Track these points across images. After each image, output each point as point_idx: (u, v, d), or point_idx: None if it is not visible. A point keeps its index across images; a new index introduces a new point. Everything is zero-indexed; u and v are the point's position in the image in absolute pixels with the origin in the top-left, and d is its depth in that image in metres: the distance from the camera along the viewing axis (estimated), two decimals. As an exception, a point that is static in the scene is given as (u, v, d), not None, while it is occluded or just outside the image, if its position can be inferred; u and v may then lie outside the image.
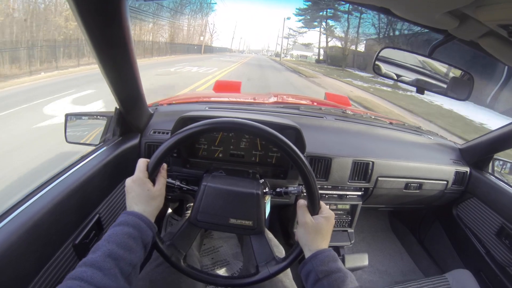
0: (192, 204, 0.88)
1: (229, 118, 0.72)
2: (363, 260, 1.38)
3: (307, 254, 0.71)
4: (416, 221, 1.96)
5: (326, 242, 0.73)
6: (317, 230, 0.72)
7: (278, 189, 0.90)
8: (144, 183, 0.71)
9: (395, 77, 1.07)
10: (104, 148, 1.01)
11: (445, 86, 1.04)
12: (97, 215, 0.90)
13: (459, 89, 1.01)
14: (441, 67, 1.05)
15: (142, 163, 0.73)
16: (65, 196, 0.76)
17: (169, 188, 0.81)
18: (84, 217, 0.86)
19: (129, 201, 0.70)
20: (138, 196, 0.70)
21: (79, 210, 0.83)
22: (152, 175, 0.73)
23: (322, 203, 0.77)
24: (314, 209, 0.75)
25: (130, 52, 0.79)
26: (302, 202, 0.77)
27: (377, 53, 1.04)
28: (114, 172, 1.00)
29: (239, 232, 0.80)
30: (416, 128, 1.74)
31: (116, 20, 0.68)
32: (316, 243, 0.71)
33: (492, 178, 1.46)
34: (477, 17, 0.60)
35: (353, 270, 1.38)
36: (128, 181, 0.71)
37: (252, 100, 1.76)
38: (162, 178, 0.75)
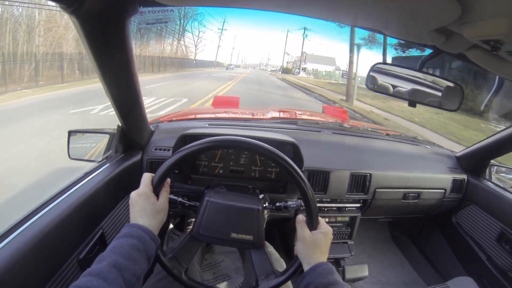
0: (193, 219, 0.90)
1: (229, 136, 0.75)
2: (363, 270, 1.38)
3: (306, 267, 0.73)
4: (416, 231, 1.97)
5: (324, 256, 0.75)
6: (315, 244, 0.74)
7: (277, 204, 0.92)
8: (149, 197, 0.72)
9: (391, 90, 1.10)
10: (107, 164, 1.03)
11: (439, 95, 1.07)
12: (101, 230, 0.92)
13: (450, 100, 1.04)
14: (432, 82, 1.08)
15: (147, 177, 0.75)
16: (70, 212, 0.77)
17: (171, 204, 0.82)
18: (88, 232, 0.87)
19: (133, 214, 0.71)
20: (143, 210, 0.71)
21: (83, 225, 0.84)
22: (157, 189, 0.75)
23: (320, 218, 0.79)
24: (312, 224, 0.77)
25: (132, 72, 0.82)
26: (301, 218, 0.79)
27: (370, 68, 1.07)
28: (117, 188, 1.01)
29: (239, 246, 0.82)
30: (413, 138, 1.76)
31: (120, 42, 0.72)
32: (315, 257, 0.73)
33: (490, 184, 1.47)
34: (462, 33, 0.63)
35: (353, 281, 1.38)
36: (133, 194, 0.73)
37: (251, 116, 1.79)
38: (166, 193, 0.77)
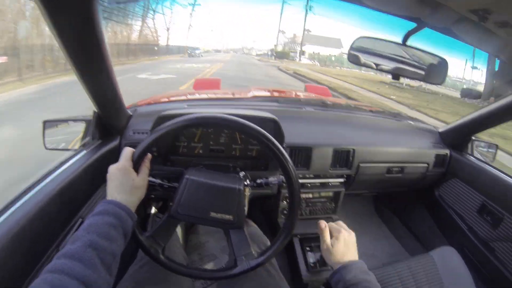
0: None
1: (209, 114, 0.73)
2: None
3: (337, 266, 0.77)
4: (400, 205, 2.01)
5: (350, 254, 0.79)
6: (336, 250, 0.78)
7: (258, 181, 0.91)
8: (129, 172, 0.70)
9: (374, 66, 1.08)
10: (84, 152, 0.99)
11: (422, 72, 1.05)
12: (80, 219, 0.89)
13: (435, 74, 1.03)
14: (417, 55, 1.06)
15: (128, 151, 0.73)
16: (46, 202, 0.74)
17: (151, 186, 0.81)
18: (68, 222, 0.85)
19: (110, 189, 0.68)
20: (121, 185, 0.68)
21: (62, 215, 0.82)
22: (137, 164, 0.72)
23: (341, 223, 0.86)
24: (293, 200, 0.77)
25: (104, 54, 0.77)
26: (322, 226, 0.83)
27: (352, 43, 1.04)
28: (96, 175, 0.98)
29: (219, 226, 0.81)
30: (396, 114, 1.77)
31: (88, 21, 0.66)
32: (342, 258, 0.77)
33: (472, 158, 1.50)
34: (447, 3, 0.61)
35: None
36: (112, 168, 0.70)
37: (231, 96, 1.76)
38: (146, 169, 0.75)
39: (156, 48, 29.02)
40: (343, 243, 0.79)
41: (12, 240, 0.62)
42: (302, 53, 39.77)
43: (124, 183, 0.69)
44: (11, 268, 0.62)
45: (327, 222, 0.85)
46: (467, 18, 0.68)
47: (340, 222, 0.86)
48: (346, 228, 0.84)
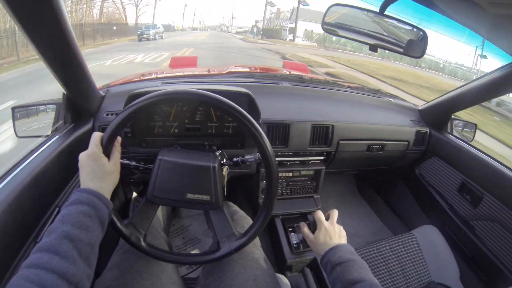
0: None
1: (179, 89, 0.70)
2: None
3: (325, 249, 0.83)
4: (382, 183, 2.04)
5: (335, 239, 0.85)
6: (320, 241, 0.87)
7: (235, 159, 0.89)
8: (99, 158, 0.68)
9: (354, 38, 1.06)
10: (56, 137, 0.95)
11: (400, 49, 1.05)
12: (57, 208, 0.86)
13: (414, 47, 1.02)
14: (394, 29, 1.05)
15: (97, 136, 0.70)
16: (19, 192, 0.71)
17: (127, 169, 0.79)
18: (43, 212, 0.81)
19: (83, 177, 0.66)
20: (93, 172, 0.66)
21: (37, 205, 0.78)
22: (107, 149, 0.70)
23: (334, 214, 0.93)
24: (271, 178, 0.75)
25: (67, 31, 0.72)
26: (301, 225, 0.95)
27: (326, 11, 1.01)
28: (70, 160, 0.94)
29: (197, 208, 0.79)
30: (376, 91, 1.76)
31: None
32: (328, 244, 0.83)
33: (451, 137, 1.51)
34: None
35: None
36: (82, 155, 0.68)
37: (207, 72, 1.72)
38: (117, 153, 0.73)
39: (114, 28, 23.65)
40: (323, 234, 0.87)
41: None
42: (293, 31, 30.81)
43: (96, 170, 0.67)
44: None
45: (309, 211, 0.95)
46: None
47: (319, 214, 0.93)
48: (323, 220, 0.91)
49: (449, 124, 1.59)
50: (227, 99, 0.69)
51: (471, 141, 1.54)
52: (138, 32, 22.67)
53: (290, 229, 1.32)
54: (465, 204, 1.39)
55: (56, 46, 0.75)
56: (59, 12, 0.66)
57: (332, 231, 0.87)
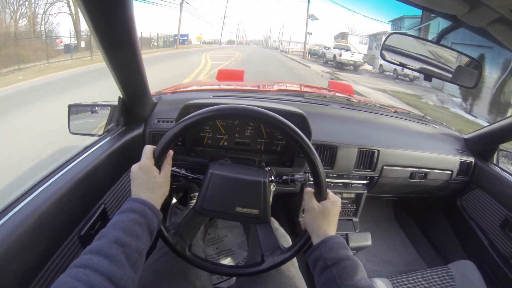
0: (196, 193, 0.88)
1: (234, 105, 0.72)
2: (366, 239, 1.37)
3: (315, 240, 0.71)
4: (420, 212, 1.96)
5: (333, 227, 0.73)
6: (324, 214, 0.72)
7: (284, 177, 0.89)
8: (150, 170, 0.70)
9: (398, 63, 1.06)
10: (108, 138, 1.00)
11: (450, 75, 1.03)
12: (102, 206, 0.90)
13: (467, 76, 1.00)
14: (449, 55, 1.04)
15: (149, 149, 0.73)
16: (70, 187, 0.76)
17: (174, 177, 0.80)
18: (89, 208, 0.86)
19: (134, 188, 0.69)
20: (144, 183, 0.69)
21: (84, 201, 0.83)
22: (159, 162, 0.72)
23: (328, 190, 0.77)
24: (321, 196, 0.74)
25: (134, 39, 0.78)
26: (309, 189, 0.78)
27: (384, 39, 1.03)
28: (119, 162, 0.99)
29: (245, 221, 0.80)
30: (421, 117, 1.72)
31: (119, 5, 0.67)
32: (323, 228, 0.71)
33: (497, 169, 1.45)
34: (488, 2, 0.59)
35: (357, 249, 1.38)
36: (135, 167, 0.71)
37: (257, 88, 1.75)
38: (168, 165, 0.75)
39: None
40: (329, 211, 0.73)
41: (33, 225, 0.64)
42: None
43: (147, 182, 0.69)
44: (32, 252, 0.63)
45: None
46: (505, 19, 0.66)
47: (328, 190, 0.77)
48: (334, 195, 0.77)
49: (495, 155, 1.52)
50: (282, 118, 0.70)
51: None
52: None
53: None
54: (507, 242, 1.32)
55: (123, 55, 0.81)
56: (130, 22, 0.71)
57: (332, 216, 0.74)
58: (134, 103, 1.07)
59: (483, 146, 1.50)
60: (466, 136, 1.59)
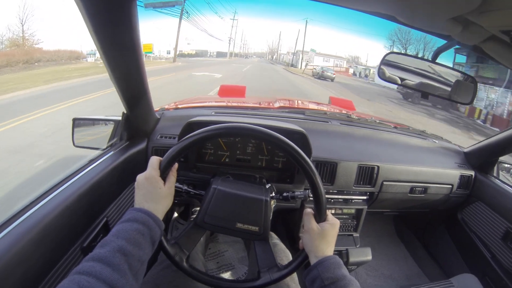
0: (197, 208, 0.89)
1: (240, 124, 0.74)
2: (366, 254, 1.37)
3: (313, 260, 0.72)
4: (421, 226, 1.96)
5: (331, 248, 0.74)
6: (322, 236, 0.73)
7: (285, 194, 0.91)
8: (156, 181, 0.71)
9: (399, 81, 1.08)
10: (112, 152, 1.02)
11: (449, 89, 1.05)
12: (105, 219, 0.91)
13: (463, 93, 1.01)
14: (445, 73, 1.06)
15: (155, 160, 0.74)
16: (73, 199, 0.77)
17: (176, 192, 0.81)
18: (92, 220, 0.87)
19: (138, 198, 0.70)
20: (149, 194, 0.70)
21: (87, 213, 0.84)
22: (164, 173, 0.73)
23: (327, 211, 0.78)
24: (320, 216, 0.76)
25: (138, 57, 0.80)
26: (309, 210, 0.79)
27: (382, 58, 1.05)
28: (122, 176, 1.01)
29: (244, 237, 0.81)
30: (421, 132, 1.74)
31: (125, 23, 0.70)
32: (321, 249, 0.72)
33: (497, 181, 1.45)
34: (480, 23, 0.61)
35: (357, 264, 1.38)
36: (140, 177, 0.71)
37: (258, 105, 1.78)
38: (173, 178, 0.76)
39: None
40: (327, 233, 0.74)
41: (37, 236, 0.65)
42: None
43: (152, 192, 0.70)
44: (35, 262, 0.64)
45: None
46: (497, 38, 0.68)
47: (328, 212, 0.79)
48: (333, 218, 0.79)
49: (495, 168, 1.52)
50: (283, 137, 0.72)
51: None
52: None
53: None
54: (509, 254, 1.31)
55: (128, 70, 0.83)
56: (135, 38, 0.74)
57: (331, 238, 0.75)
58: (138, 119, 1.09)
59: (482, 159, 1.51)
60: (465, 150, 1.60)
